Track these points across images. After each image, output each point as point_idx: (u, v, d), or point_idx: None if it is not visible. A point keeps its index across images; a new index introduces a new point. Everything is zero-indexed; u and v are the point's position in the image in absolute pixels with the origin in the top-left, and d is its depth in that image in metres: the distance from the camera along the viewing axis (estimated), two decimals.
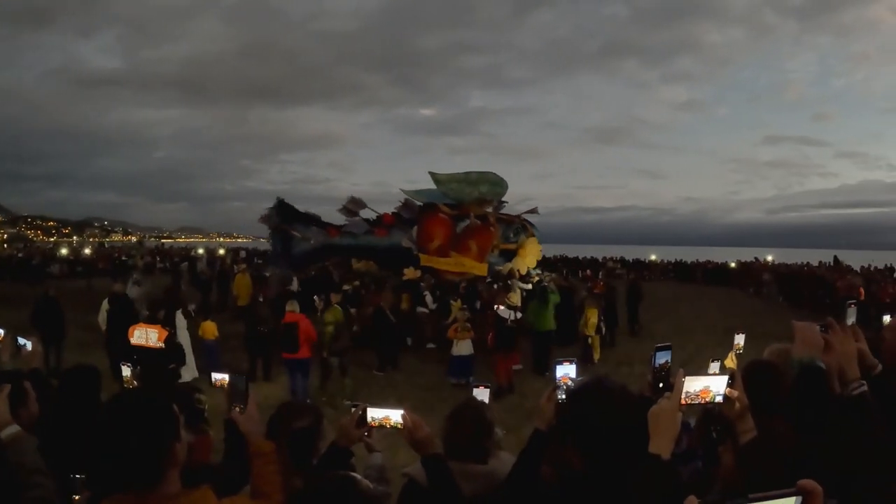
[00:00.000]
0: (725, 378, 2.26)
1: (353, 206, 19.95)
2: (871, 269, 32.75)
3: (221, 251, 51.41)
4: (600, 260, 49.25)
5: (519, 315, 13.31)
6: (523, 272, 19.30)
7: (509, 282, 17.43)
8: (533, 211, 21.21)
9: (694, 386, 2.19)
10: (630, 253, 60.28)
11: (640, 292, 20.25)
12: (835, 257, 34.79)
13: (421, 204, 19.37)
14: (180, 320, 12.68)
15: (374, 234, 19.44)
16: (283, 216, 19.67)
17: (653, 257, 52.12)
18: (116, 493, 1.99)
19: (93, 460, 2.05)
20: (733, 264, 44.36)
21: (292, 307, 11.51)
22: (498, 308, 13.33)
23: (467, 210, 18.86)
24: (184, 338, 11.92)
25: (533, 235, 20.87)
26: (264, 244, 29.95)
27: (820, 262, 36.26)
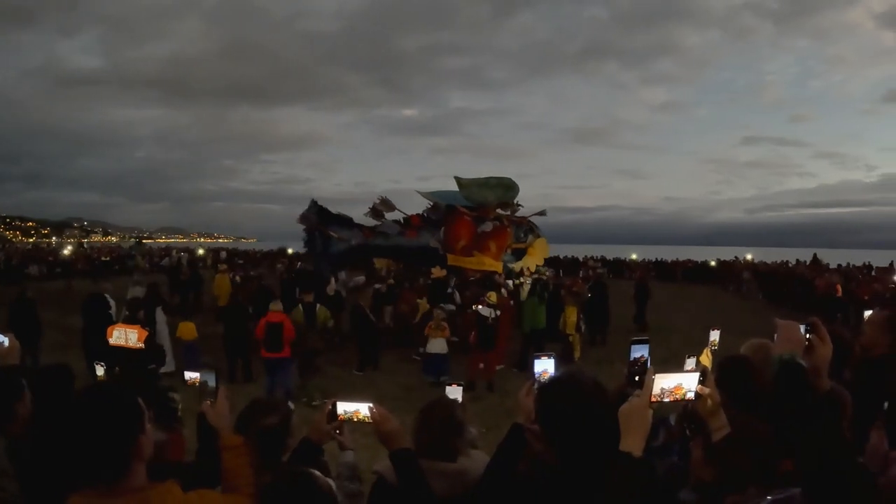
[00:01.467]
0: (697, 375, 2.26)
1: (382, 207, 20.67)
2: (850, 267, 33.06)
3: (201, 251, 51.23)
4: (581, 259, 49.24)
5: (498, 313, 13.32)
6: (532, 269, 20.94)
7: (520, 279, 19.08)
8: (541, 213, 22.71)
9: (666, 383, 2.19)
10: (611, 252, 60.29)
11: (648, 290, 21.28)
12: (814, 255, 35.05)
13: (443, 205, 20.76)
14: (160, 316, 13.13)
15: (405, 235, 20.45)
16: (321, 217, 20.16)
17: (633, 256, 52.16)
18: (84, 487, 2.00)
19: (60, 455, 2.05)
20: (713, 263, 44.60)
21: (276, 307, 11.51)
22: (478, 307, 13.42)
23: (485, 212, 20.32)
24: (163, 334, 12.78)
25: (539, 236, 22.48)
26: (245, 244, 30.38)
27: (797, 260, 36.56)
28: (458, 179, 20.27)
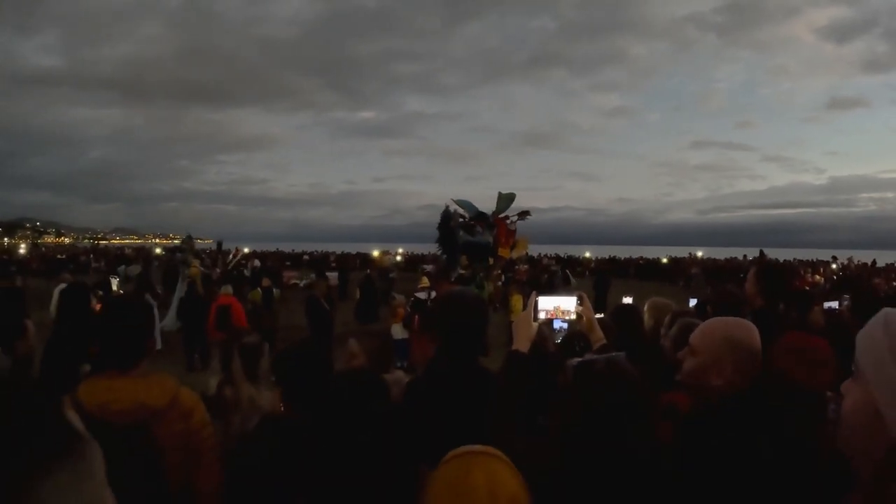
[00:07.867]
0: (574, 299, 2.86)
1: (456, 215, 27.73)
2: (795, 262, 34.05)
3: (158, 251, 51.01)
4: (535, 256, 49.84)
5: (434, 294, 13.71)
6: (520, 258, 30.45)
7: (520, 266, 29.58)
8: (526, 213, 28.80)
9: (551, 304, 2.81)
10: (565, 252, 60.86)
11: (609, 282, 24.09)
12: (760, 251, 35.76)
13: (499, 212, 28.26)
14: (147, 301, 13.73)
15: (480, 234, 27.61)
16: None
17: (587, 254, 52.83)
18: (106, 369, 2.57)
19: (94, 343, 2.75)
20: (665, 260, 45.49)
21: (226, 290, 11.76)
22: (415, 294, 13.81)
23: (505, 217, 27.90)
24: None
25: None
26: (200, 244, 32.40)
27: (745, 256, 37.47)
28: (500, 193, 28.36)
